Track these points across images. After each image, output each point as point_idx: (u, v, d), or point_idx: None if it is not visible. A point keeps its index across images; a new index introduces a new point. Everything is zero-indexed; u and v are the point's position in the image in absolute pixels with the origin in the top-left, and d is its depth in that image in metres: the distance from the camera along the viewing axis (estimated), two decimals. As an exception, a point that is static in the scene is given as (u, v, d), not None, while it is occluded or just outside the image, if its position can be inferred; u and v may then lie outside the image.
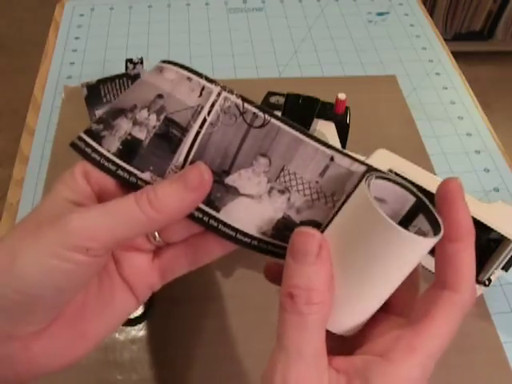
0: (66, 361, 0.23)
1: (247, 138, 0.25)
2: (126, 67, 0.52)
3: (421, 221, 0.22)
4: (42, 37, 0.67)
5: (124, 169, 0.24)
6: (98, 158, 0.24)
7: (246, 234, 0.24)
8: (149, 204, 0.21)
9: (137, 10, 0.71)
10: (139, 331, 0.39)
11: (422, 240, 0.20)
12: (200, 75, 0.26)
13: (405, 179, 0.23)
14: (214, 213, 0.24)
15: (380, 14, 0.73)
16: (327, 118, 0.46)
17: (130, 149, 0.24)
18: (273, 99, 0.48)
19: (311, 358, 0.20)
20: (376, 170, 0.24)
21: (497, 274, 0.39)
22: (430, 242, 0.20)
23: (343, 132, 0.46)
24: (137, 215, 0.21)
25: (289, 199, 0.24)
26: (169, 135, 0.25)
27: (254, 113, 0.25)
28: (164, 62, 0.27)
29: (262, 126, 0.24)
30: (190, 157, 0.24)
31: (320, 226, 0.24)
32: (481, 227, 0.37)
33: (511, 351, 0.40)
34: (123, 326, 0.39)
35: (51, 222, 0.21)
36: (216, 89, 0.25)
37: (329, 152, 0.24)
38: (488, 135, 0.57)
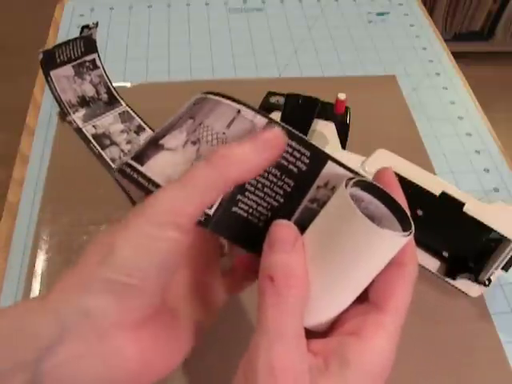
0: (166, 365, 0.24)
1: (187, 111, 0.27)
2: (81, 32, 0.53)
3: (390, 220, 0.23)
4: (42, 37, 0.67)
5: None
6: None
7: (156, 184, 0.24)
8: (222, 162, 0.22)
9: (137, 10, 0.71)
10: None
11: (401, 238, 0.21)
12: None
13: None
14: (137, 166, 0.25)
15: (380, 14, 0.73)
16: (327, 118, 0.46)
17: None
18: (273, 99, 0.48)
19: (293, 339, 0.21)
20: (352, 171, 0.25)
21: (497, 273, 0.39)
22: (407, 239, 0.21)
23: (343, 132, 0.46)
24: (211, 176, 0.22)
25: (198, 150, 0.25)
26: None
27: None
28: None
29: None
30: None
31: None
32: (481, 227, 0.37)
33: (511, 351, 0.40)
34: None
35: (135, 211, 0.21)
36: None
37: (237, 106, 0.25)
38: (488, 135, 0.57)
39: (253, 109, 0.25)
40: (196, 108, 0.27)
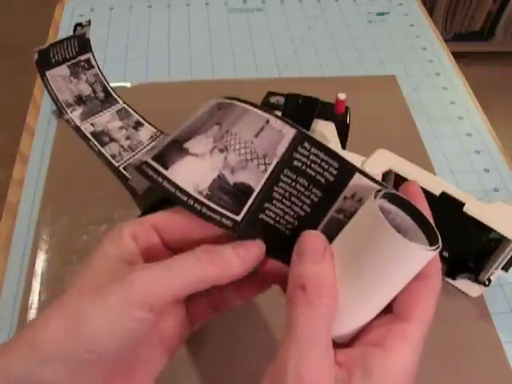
0: None
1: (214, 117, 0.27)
2: (75, 30, 0.54)
3: (415, 233, 0.23)
4: (42, 37, 0.67)
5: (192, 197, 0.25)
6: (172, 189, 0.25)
7: (183, 192, 0.24)
8: (210, 261, 0.23)
9: (137, 10, 0.71)
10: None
11: (429, 252, 0.21)
12: None
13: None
14: (161, 169, 0.25)
15: (380, 14, 0.73)
16: (327, 118, 0.46)
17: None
18: (273, 99, 0.48)
19: (322, 349, 0.21)
20: (381, 184, 0.25)
21: (497, 273, 0.39)
22: (434, 253, 0.21)
23: (343, 132, 0.46)
24: (197, 271, 0.23)
25: (226, 158, 0.25)
26: None
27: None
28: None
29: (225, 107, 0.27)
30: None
31: (252, 192, 0.25)
32: (481, 227, 0.37)
33: (511, 351, 0.40)
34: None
35: (114, 282, 0.22)
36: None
37: (265, 115, 0.26)
38: (488, 135, 0.57)
39: (281, 119, 0.25)
40: (221, 113, 0.26)
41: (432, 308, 0.23)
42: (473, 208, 0.37)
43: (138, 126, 0.54)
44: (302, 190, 0.25)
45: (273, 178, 0.25)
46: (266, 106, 0.48)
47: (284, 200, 0.26)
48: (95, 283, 0.22)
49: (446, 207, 0.38)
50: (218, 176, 0.25)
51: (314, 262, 0.22)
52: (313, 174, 0.25)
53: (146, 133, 0.53)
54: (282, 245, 0.25)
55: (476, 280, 0.41)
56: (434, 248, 0.21)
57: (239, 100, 0.27)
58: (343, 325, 0.23)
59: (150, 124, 0.54)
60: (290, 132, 0.25)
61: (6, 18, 1.70)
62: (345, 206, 0.25)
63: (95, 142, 0.52)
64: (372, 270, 0.22)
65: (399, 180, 0.39)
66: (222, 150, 0.25)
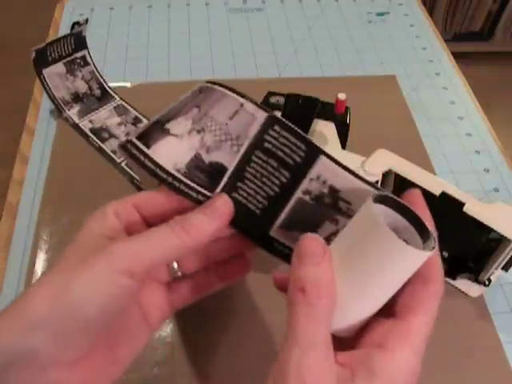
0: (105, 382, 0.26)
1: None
2: (72, 28, 0.54)
3: (407, 231, 0.23)
4: (42, 37, 0.67)
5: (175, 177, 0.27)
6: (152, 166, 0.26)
7: (163, 169, 0.26)
8: (183, 230, 0.25)
9: (137, 10, 0.71)
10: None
11: (425, 253, 0.22)
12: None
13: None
14: (144, 148, 0.26)
15: (380, 14, 0.73)
16: (327, 118, 0.46)
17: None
18: (273, 99, 0.48)
19: (323, 349, 0.21)
20: (375, 186, 0.26)
21: (497, 273, 0.39)
22: (429, 254, 0.22)
23: (343, 132, 0.46)
24: (173, 240, 0.24)
25: (202, 138, 0.27)
26: None
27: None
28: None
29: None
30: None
31: (226, 171, 0.27)
32: (481, 227, 0.37)
33: (511, 351, 0.40)
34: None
35: (97, 253, 0.23)
36: None
37: (241, 100, 0.27)
38: (488, 135, 0.57)
39: (255, 103, 0.27)
40: (201, 97, 0.28)
41: (434, 312, 0.23)
42: (473, 208, 0.37)
43: (136, 122, 0.54)
44: (272, 170, 0.27)
45: (245, 159, 0.27)
46: (266, 106, 0.48)
47: (255, 180, 0.27)
48: (80, 257, 0.24)
49: (446, 207, 0.38)
50: (195, 155, 0.27)
51: (313, 265, 0.23)
52: (282, 155, 0.27)
53: None
54: (252, 224, 0.27)
55: (476, 280, 0.41)
56: (427, 249, 0.22)
57: (220, 85, 0.28)
58: (342, 320, 0.24)
59: (148, 120, 0.55)
60: (262, 115, 0.27)
61: (6, 18, 1.70)
62: (310, 187, 0.27)
63: (95, 139, 0.52)
64: (368, 270, 0.22)
65: (399, 180, 0.39)
66: (199, 131, 0.27)
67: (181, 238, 0.25)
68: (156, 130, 0.27)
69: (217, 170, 0.27)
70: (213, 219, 0.26)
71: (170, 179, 0.26)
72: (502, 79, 1.70)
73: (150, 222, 0.28)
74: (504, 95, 1.64)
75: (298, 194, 0.27)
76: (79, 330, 0.22)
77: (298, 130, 0.26)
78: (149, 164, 0.26)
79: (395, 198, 0.24)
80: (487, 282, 0.40)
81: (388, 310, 0.24)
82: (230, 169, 0.27)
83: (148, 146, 0.26)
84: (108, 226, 0.26)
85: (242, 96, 0.27)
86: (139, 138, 0.27)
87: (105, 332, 0.24)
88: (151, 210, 0.27)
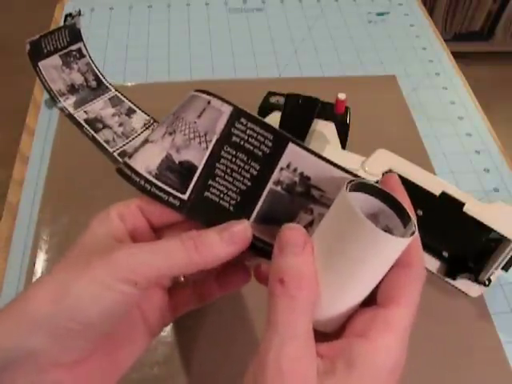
0: None
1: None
2: (65, 20, 0.54)
3: (388, 217, 0.23)
4: (41, 37, 0.67)
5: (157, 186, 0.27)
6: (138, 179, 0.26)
7: (137, 173, 0.26)
8: (195, 249, 0.24)
9: (137, 10, 0.71)
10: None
11: (404, 240, 0.21)
12: None
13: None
14: (128, 161, 0.27)
15: (380, 14, 0.73)
16: (327, 118, 0.46)
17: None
18: (273, 99, 0.48)
19: (303, 340, 0.21)
20: (342, 168, 0.26)
21: (497, 273, 0.39)
22: (409, 240, 0.21)
23: (343, 132, 0.46)
24: (181, 256, 0.24)
25: (173, 139, 0.27)
26: None
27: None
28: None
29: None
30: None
31: (196, 170, 0.26)
32: (481, 227, 0.37)
33: (511, 351, 0.40)
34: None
35: (101, 257, 0.23)
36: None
37: (207, 97, 0.27)
38: (488, 135, 0.57)
39: (221, 99, 0.27)
40: (179, 106, 0.28)
41: (416, 296, 0.23)
42: (473, 208, 0.37)
43: (130, 112, 0.55)
44: (242, 164, 0.27)
45: (214, 156, 0.27)
46: (266, 105, 0.48)
47: (226, 176, 0.27)
48: (83, 259, 0.23)
49: (446, 207, 0.38)
50: (166, 156, 0.26)
51: (294, 255, 0.22)
52: (250, 148, 0.26)
53: (138, 120, 0.54)
54: (226, 221, 0.26)
55: (476, 280, 0.41)
56: (406, 235, 0.22)
57: (199, 91, 0.28)
58: (325, 314, 0.23)
59: (142, 111, 0.55)
60: (227, 109, 0.26)
61: (6, 18, 1.70)
62: (281, 177, 0.26)
63: (88, 129, 0.53)
64: (349, 260, 0.22)
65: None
66: (171, 133, 0.27)
67: (190, 255, 0.24)
68: (141, 144, 0.28)
69: (187, 168, 0.26)
70: (228, 244, 0.25)
71: (142, 182, 0.26)
72: (502, 79, 1.70)
73: (155, 226, 0.27)
74: (504, 95, 1.64)
75: (270, 185, 0.26)
76: (79, 331, 0.22)
77: (264, 120, 0.26)
78: (126, 171, 0.26)
79: (372, 183, 0.23)
80: (487, 282, 0.40)
81: (370, 299, 0.23)
82: (200, 167, 0.26)
83: (130, 157, 0.27)
84: (113, 228, 0.26)
85: (210, 94, 0.27)
86: (130, 156, 0.27)
87: (105, 335, 0.24)
88: (155, 214, 0.27)
